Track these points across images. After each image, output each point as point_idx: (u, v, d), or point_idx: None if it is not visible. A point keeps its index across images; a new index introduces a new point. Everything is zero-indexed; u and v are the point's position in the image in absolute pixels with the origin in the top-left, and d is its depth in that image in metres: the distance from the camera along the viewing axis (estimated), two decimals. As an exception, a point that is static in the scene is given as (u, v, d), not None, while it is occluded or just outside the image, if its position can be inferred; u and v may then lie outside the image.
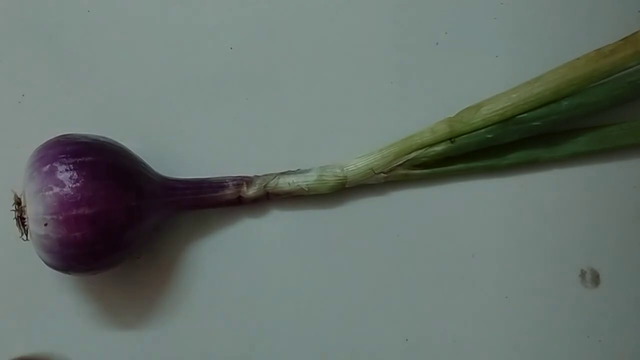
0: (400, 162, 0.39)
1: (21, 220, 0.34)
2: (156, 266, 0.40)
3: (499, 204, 0.41)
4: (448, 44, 0.42)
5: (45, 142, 0.35)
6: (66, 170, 0.33)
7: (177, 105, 0.42)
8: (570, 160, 0.41)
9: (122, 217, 0.34)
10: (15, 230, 0.35)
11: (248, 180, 0.39)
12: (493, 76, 0.41)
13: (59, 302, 0.40)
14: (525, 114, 0.38)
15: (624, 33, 0.38)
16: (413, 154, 0.39)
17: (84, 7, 0.42)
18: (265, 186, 0.39)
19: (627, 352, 0.40)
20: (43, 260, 0.35)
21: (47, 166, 0.33)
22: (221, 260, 0.41)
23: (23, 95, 0.42)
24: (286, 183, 0.39)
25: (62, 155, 0.33)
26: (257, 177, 0.39)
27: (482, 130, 0.39)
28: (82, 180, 0.33)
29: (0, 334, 0.40)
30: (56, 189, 0.33)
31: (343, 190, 0.40)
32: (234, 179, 0.39)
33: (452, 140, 0.39)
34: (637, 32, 0.38)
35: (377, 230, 0.41)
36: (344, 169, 0.39)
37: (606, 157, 0.41)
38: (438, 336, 0.40)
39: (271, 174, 0.39)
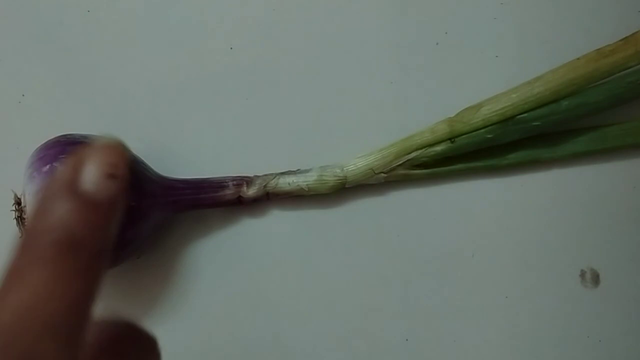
0: (400, 162, 0.39)
1: (21, 220, 0.34)
2: (156, 266, 0.40)
3: (499, 204, 0.41)
4: (448, 44, 0.42)
5: (45, 142, 0.35)
6: (66, 170, 0.33)
7: (177, 105, 0.42)
8: (570, 160, 0.41)
9: (122, 217, 0.34)
10: (15, 230, 0.35)
11: (248, 180, 0.39)
12: (493, 76, 0.41)
13: (59, 302, 0.40)
14: (525, 114, 0.38)
15: (624, 33, 0.38)
16: (413, 154, 0.39)
17: (84, 7, 0.42)
18: (265, 186, 0.39)
19: (627, 352, 0.40)
20: (43, 260, 0.35)
21: (47, 166, 0.33)
22: (221, 260, 0.41)
23: (23, 95, 0.42)
24: (286, 183, 0.39)
25: (62, 155, 0.33)
26: (257, 177, 0.39)
27: (482, 130, 0.39)
28: (82, 180, 0.33)
29: (0, 334, 0.40)
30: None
31: (343, 190, 0.40)
32: (234, 179, 0.39)
33: (452, 140, 0.39)
34: (637, 32, 0.38)
35: (377, 230, 0.41)
36: (344, 169, 0.39)
37: (606, 157, 0.41)
38: (438, 336, 0.40)
39: (271, 174, 0.39)
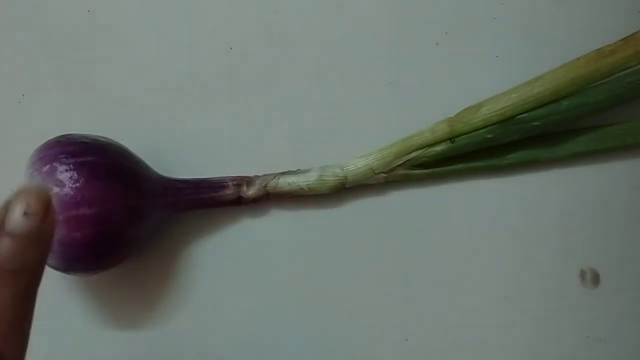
0: (400, 162, 0.39)
1: (21, 220, 0.34)
2: (156, 266, 0.40)
3: (499, 204, 0.41)
4: (448, 44, 0.42)
5: (45, 142, 0.35)
6: (66, 170, 0.33)
7: (177, 105, 0.42)
8: (570, 160, 0.41)
9: (122, 217, 0.34)
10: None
11: (248, 180, 0.39)
12: (493, 76, 0.41)
13: (59, 302, 0.40)
14: (525, 114, 0.38)
15: (624, 33, 0.38)
16: (413, 154, 0.39)
17: (84, 7, 0.42)
18: (265, 186, 0.39)
19: (627, 352, 0.40)
20: (43, 260, 0.35)
21: (47, 166, 0.33)
22: (221, 260, 0.41)
23: (23, 95, 0.42)
24: (286, 183, 0.39)
25: (62, 155, 0.33)
26: (257, 177, 0.39)
27: (482, 130, 0.39)
28: (82, 180, 0.33)
29: (0, 334, 0.40)
30: (56, 189, 0.33)
31: (343, 190, 0.40)
32: (234, 178, 0.39)
33: (452, 140, 0.39)
34: (637, 32, 0.38)
35: (377, 230, 0.41)
36: (344, 169, 0.39)
37: (606, 157, 0.41)
38: (438, 336, 0.40)
39: (271, 174, 0.39)
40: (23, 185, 0.25)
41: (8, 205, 0.25)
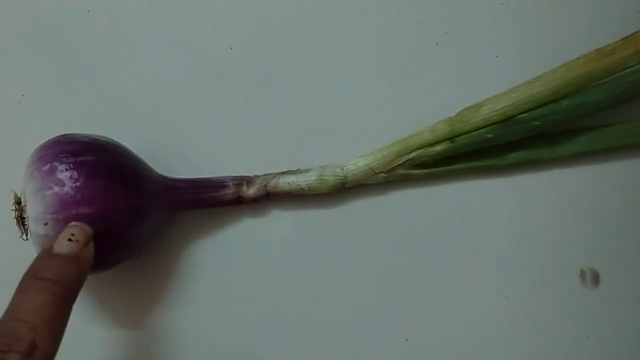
0: (401, 162, 0.39)
1: (21, 219, 0.34)
2: (156, 266, 0.40)
3: (499, 204, 0.41)
4: (448, 44, 0.42)
5: (46, 142, 0.35)
6: (66, 169, 0.33)
7: (177, 105, 0.42)
8: (570, 160, 0.41)
9: (122, 217, 0.34)
10: (15, 229, 0.35)
11: (248, 180, 0.39)
12: (493, 76, 0.41)
13: (58, 302, 0.40)
14: (525, 114, 0.38)
15: (624, 33, 0.38)
16: (413, 154, 0.39)
17: (84, 7, 0.42)
18: (265, 186, 0.39)
19: (627, 352, 0.40)
20: (43, 260, 0.35)
21: (47, 165, 0.33)
22: (221, 260, 0.41)
23: (23, 95, 0.42)
24: (286, 183, 0.39)
25: (62, 155, 0.33)
26: (257, 176, 0.39)
27: (482, 129, 0.39)
28: (82, 179, 0.33)
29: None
30: (56, 188, 0.33)
31: (343, 190, 0.40)
32: (234, 178, 0.39)
33: (452, 140, 0.39)
34: (637, 32, 0.38)
35: (377, 230, 0.41)
36: (344, 168, 0.39)
37: (606, 157, 0.41)
38: (438, 336, 0.40)
39: (271, 174, 0.39)
40: (73, 222, 0.32)
41: (59, 235, 0.32)
